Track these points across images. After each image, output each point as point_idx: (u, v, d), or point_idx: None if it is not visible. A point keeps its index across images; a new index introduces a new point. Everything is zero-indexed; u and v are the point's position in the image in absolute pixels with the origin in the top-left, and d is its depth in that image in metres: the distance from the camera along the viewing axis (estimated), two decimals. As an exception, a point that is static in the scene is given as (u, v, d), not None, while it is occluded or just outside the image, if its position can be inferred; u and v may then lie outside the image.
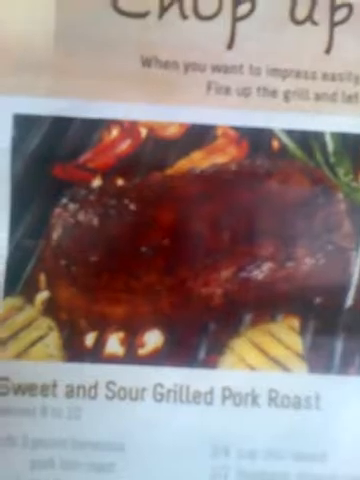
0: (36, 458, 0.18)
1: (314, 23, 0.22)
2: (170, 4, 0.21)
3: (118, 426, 0.19)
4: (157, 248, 0.20)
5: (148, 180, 0.21)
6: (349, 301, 0.20)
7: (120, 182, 0.21)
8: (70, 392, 0.19)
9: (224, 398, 0.19)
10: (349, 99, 0.22)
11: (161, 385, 0.19)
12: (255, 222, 0.20)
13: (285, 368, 0.19)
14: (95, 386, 0.19)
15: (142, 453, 0.18)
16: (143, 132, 0.21)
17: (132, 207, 0.20)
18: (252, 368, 0.19)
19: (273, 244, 0.20)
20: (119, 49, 0.21)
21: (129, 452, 0.18)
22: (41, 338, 0.19)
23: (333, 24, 0.22)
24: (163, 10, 0.21)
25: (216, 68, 0.21)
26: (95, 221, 0.20)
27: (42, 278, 0.20)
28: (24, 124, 0.20)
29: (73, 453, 0.18)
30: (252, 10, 0.22)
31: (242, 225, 0.20)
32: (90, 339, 0.19)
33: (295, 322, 0.20)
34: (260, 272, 0.20)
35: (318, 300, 0.20)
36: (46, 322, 0.19)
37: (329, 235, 0.20)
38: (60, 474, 0.18)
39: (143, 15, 0.21)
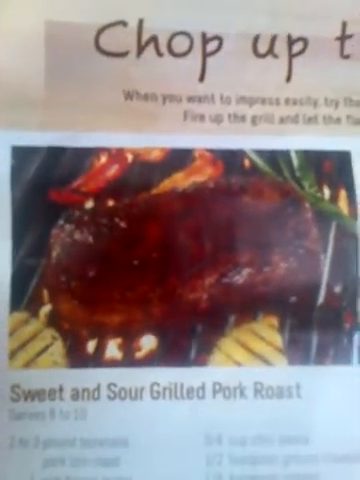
0: (47, 457, 0.19)
1: (275, 56, 0.24)
2: (147, 44, 0.23)
3: (121, 423, 0.20)
4: (147, 261, 0.21)
5: (136, 200, 0.22)
6: (321, 299, 0.22)
7: (110, 203, 0.22)
8: (75, 395, 0.20)
9: (215, 392, 0.20)
10: (309, 120, 0.24)
11: (157, 384, 0.20)
12: (233, 233, 0.22)
13: (267, 362, 0.21)
14: (98, 388, 0.20)
15: (144, 447, 0.20)
16: (129, 157, 0.23)
17: (122, 225, 0.21)
18: (238, 364, 0.21)
19: (250, 252, 0.21)
20: (103, 85, 0.23)
21: (132, 447, 0.20)
22: (46, 347, 0.20)
23: (291, 56, 0.24)
24: (141, 49, 0.23)
25: (191, 99, 0.23)
26: (90, 239, 0.21)
27: (45, 293, 0.21)
28: (22, 155, 0.22)
29: (81, 451, 0.20)
30: (219, 47, 0.23)
31: (222, 236, 0.22)
32: (91, 346, 0.21)
33: (274, 320, 0.22)
34: (240, 277, 0.21)
35: (293, 299, 0.22)
36: (50, 333, 0.21)
37: (299, 241, 0.22)
38: (70, 471, 0.19)
39: (123, 54, 0.23)
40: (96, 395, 0.20)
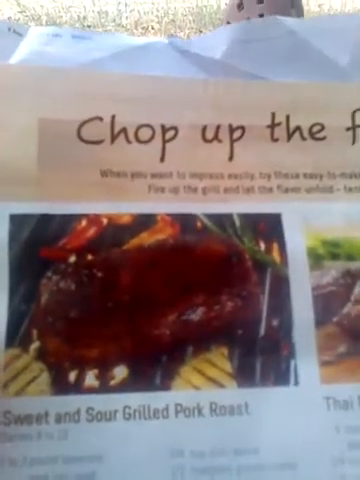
0: (33, 474, 0.21)
1: (219, 141, 0.27)
2: (118, 134, 0.27)
3: (97, 442, 0.22)
4: (119, 303, 0.24)
5: (110, 254, 0.25)
6: (262, 331, 0.24)
7: (90, 257, 0.25)
8: (59, 419, 0.22)
9: (177, 412, 0.23)
10: (248, 190, 0.27)
11: (129, 407, 0.22)
12: (189, 279, 0.25)
13: (220, 385, 0.23)
14: (78, 412, 0.22)
15: (117, 461, 0.22)
16: (104, 221, 0.25)
17: (99, 274, 0.24)
18: (196, 388, 0.23)
19: (203, 294, 0.24)
20: (84, 166, 0.26)
21: (106, 462, 0.22)
22: (35, 378, 0.23)
23: (232, 141, 0.27)
24: (113, 138, 0.26)
25: (154, 175, 0.26)
26: (72, 287, 0.24)
27: (34, 332, 0.23)
28: (18, 221, 0.24)
29: (62, 467, 0.22)
30: (175, 135, 0.27)
31: (180, 282, 0.25)
32: (72, 376, 0.23)
33: (224, 350, 0.24)
34: (196, 315, 0.24)
35: (240, 332, 0.24)
36: (38, 366, 0.23)
37: (242, 284, 0.25)
38: (53, 485, 0.21)
39: (100, 142, 0.26)
40: (76, 418, 0.22)
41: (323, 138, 0.29)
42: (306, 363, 0.24)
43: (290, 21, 0.31)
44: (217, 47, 0.30)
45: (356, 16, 0.32)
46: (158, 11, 0.99)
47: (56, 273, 0.24)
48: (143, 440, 0.22)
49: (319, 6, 1.01)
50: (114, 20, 0.96)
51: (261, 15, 0.57)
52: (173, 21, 0.96)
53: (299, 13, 0.61)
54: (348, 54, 0.30)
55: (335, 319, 0.25)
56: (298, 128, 0.28)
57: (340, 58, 0.30)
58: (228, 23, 0.60)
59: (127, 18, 0.97)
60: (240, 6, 0.60)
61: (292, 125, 0.28)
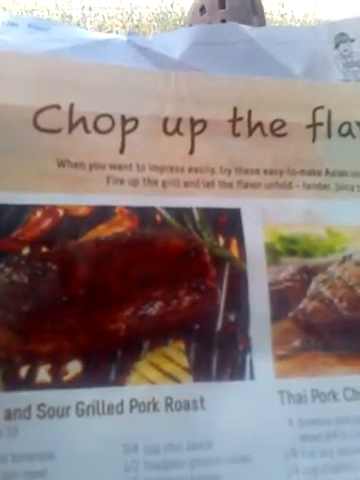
0: None
1: (180, 134, 0.27)
2: (76, 123, 0.26)
3: (48, 439, 0.22)
4: (74, 297, 0.23)
5: (65, 247, 0.24)
6: (219, 326, 0.24)
7: (44, 249, 0.24)
8: (8, 415, 0.21)
9: (132, 407, 0.22)
10: (208, 185, 0.27)
11: (82, 403, 0.22)
12: (147, 273, 0.24)
13: (176, 380, 0.23)
14: (29, 408, 0.22)
15: (69, 459, 0.21)
16: (60, 212, 0.25)
17: (54, 267, 0.24)
18: (152, 382, 0.23)
19: (161, 288, 0.24)
20: (40, 155, 0.25)
21: (58, 459, 0.21)
22: None
23: (194, 134, 0.27)
24: (72, 127, 0.26)
25: (113, 166, 0.26)
26: (25, 279, 0.23)
27: None
28: None
29: (11, 465, 0.21)
30: (136, 126, 0.26)
31: (138, 276, 0.24)
32: (24, 371, 0.22)
33: (181, 345, 0.24)
34: (153, 309, 0.24)
35: (197, 327, 0.24)
36: None
37: (201, 279, 0.25)
38: (1, 484, 0.20)
39: (57, 131, 0.26)
40: (27, 415, 0.22)
41: (284, 134, 0.29)
42: (261, 357, 0.24)
43: (248, 29, 0.31)
44: (176, 47, 0.30)
45: (312, 28, 0.33)
46: (122, 16, 0.98)
47: (8, 265, 0.24)
48: (96, 436, 0.22)
49: (282, 16, 1.03)
50: (78, 24, 0.95)
51: (223, 20, 0.58)
52: (137, 26, 0.96)
53: (261, 21, 0.62)
54: (302, 64, 0.31)
55: (291, 314, 0.26)
56: (259, 124, 0.28)
57: (294, 67, 0.31)
58: (190, 26, 0.61)
59: (91, 22, 0.96)
60: (202, 10, 0.60)
61: (253, 120, 0.28)
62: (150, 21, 0.99)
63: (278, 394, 0.24)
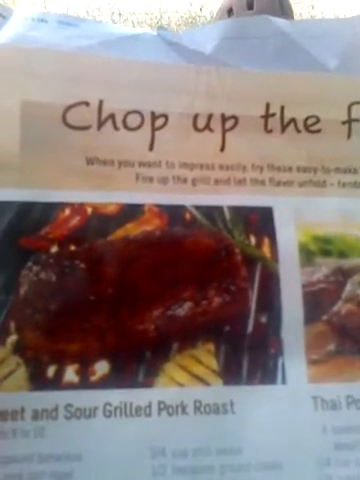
0: (8, 473, 0.21)
1: (211, 130, 0.27)
2: (105, 120, 0.26)
3: (75, 440, 0.21)
4: (103, 296, 0.23)
5: (94, 245, 0.24)
6: (250, 328, 0.24)
7: (72, 248, 0.24)
8: (35, 416, 0.21)
9: (160, 410, 0.22)
10: (239, 182, 0.26)
11: (109, 404, 0.22)
12: (176, 273, 0.24)
13: (205, 383, 0.23)
14: (56, 409, 0.22)
15: (96, 460, 0.21)
16: (89, 210, 0.25)
17: (82, 266, 0.24)
18: (180, 385, 0.22)
19: (191, 288, 0.24)
20: (69, 152, 0.25)
21: (85, 461, 0.21)
22: (11, 373, 0.22)
23: (224, 130, 0.27)
24: (100, 124, 0.26)
25: (142, 164, 0.26)
26: (53, 278, 0.23)
27: (12, 324, 0.22)
28: None
29: (38, 466, 0.21)
30: (165, 123, 0.26)
31: (167, 275, 0.24)
32: (51, 371, 0.22)
33: (211, 347, 0.23)
34: (182, 310, 0.23)
35: (227, 328, 0.24)
36: (15, 360, 0.22)
37: (231, 279, 0.24)
38: (28, 484, 0.20)
39: (86, 128, 0.26)
40: (54, 415, 0.21)
41: (318, 131, 0.28)
42: (294, 361, 0.24)
43: (281, 22, 0.30)
44: (207, 42, 0.29)
45: (346, 21, 0.32)
46: (152, 20, 0.98)
47: (37, 263, 0.24)
48: (124, 438, 0.22)
49: (311, 17, 1.01)
50: (108, 29, 0.96)
51: (252, 21, 0.57)
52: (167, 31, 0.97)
53: (289, 19, 0.61)
54: (337, 58, 0.29)
55: (325, 317, 0.25)
56: (293, 120, 0.28)
57: (329, 61, 0.29)
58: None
59: (121, 28, 0.97)
60: (230, 12, 0.59)
61: (287, 116, 0.28)
62: (179, 25, 0.99)
63: (311, 400, 0.23)
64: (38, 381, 0.22)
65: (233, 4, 0.59)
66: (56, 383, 0.22)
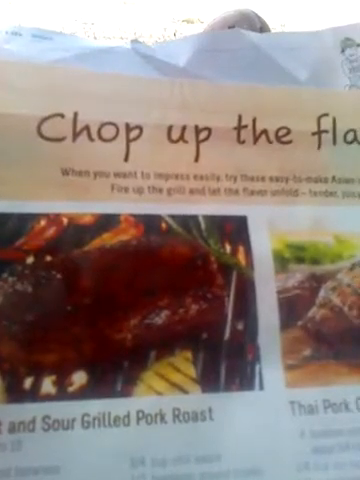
0: None
1: (185, 141, 0.27)
2: (81, 131, 0.26)
3: (53, 453, 0.21)
4: (79, 306, 0.23)
5: (70, 255, 0.24)
6: (227, 335, 0.24)
7: (48, 258, 0.24)
8: (12, 428, 0.21)
9: (138, 419, 0.22)
10: (214, 192, 0.27)
11: (88, 414, 0.21)
12: (153, 282, 0.24)
13: (184, 391, 0.23)
14: (33, 421, 0.21)
15: (75, 472, 0.21)
16: (65, 221, 0.25)
17: (58, 276, 0.23)
18: (159, 393, 0.22)
19: (167, 297, 0.24)
20: (44, 163, 0.25)
21: (63, 473, 0.21)
22: None
23: (198, 142, 0.27)
24: (76, 136, 0.26)
25: (117, 174, 0.26)
26: (29, 289, 0.23)
27: None
28: None
29: (15, 479, 0.20)
30: (140, 134, 0.27)
31: (143, 284, 0.24)
32: (28, 383, 0.22)
33: (189, 354, 0.23)
34: (159, 318, 0.23)
35: (204, 336, 0.24)
36: None
37: (207, 287, 0.24)
38: (4, 498, 0.20)
39: (61, 139, 0.26)
40: (31, 427, 0.21)
41: (289, 142, 0.29)
42: (271, 367, 0.24)
43: (253, 35, 0.32)
44: (181, 55, 0.30)
45: (316, 34, 0.33)
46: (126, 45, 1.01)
47: (12, 274, 0.23)
48: (103, 449, 0.21)
49: None
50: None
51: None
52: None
53: None
54: (307, 70, 0.31)
55: (300, 323, 0.25)
56: (264, 131, 0.29)
57: (299, 73, 0.31)
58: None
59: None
60: None
61: (259, 128, 0.28)
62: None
63: (289, 405, 0.24)
64: (15, 393, 0.22)
65: (214, 30, 0.60)
66: (33, 395, 0.22)
